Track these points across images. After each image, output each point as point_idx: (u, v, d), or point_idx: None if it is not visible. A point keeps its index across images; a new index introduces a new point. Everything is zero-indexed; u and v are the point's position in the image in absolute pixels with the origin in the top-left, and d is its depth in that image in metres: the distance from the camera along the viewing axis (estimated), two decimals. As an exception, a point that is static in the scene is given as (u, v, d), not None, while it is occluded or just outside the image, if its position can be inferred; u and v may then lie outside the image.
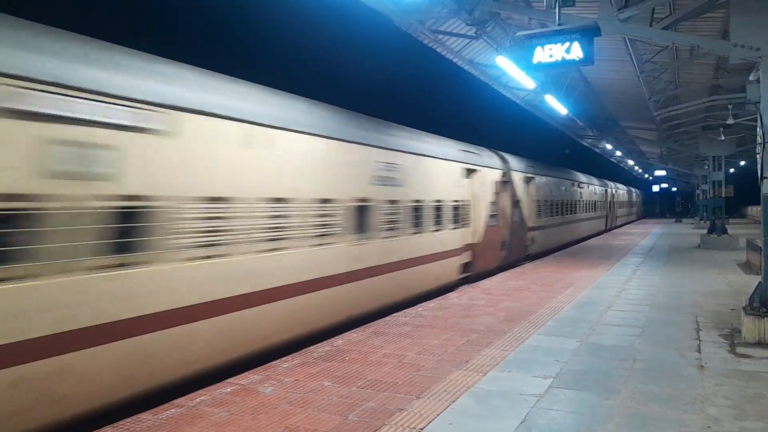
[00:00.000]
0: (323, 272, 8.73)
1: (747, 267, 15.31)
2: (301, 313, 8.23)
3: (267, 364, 6.48)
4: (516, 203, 18.34)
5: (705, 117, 22.18)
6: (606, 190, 38.71)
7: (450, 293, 11.46)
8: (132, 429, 4.63)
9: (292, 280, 8.01)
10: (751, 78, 10.85)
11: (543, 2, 8.85)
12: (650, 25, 9.32)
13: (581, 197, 30.14)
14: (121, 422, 4.79)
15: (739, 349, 7.00)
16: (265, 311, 7.48)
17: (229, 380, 5.91)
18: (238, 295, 6.99)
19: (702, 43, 9.43)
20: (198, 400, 5.31)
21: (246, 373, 6.17)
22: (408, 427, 4.64)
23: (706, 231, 24.30)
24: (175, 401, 5.27)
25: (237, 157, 7.15)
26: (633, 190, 58.85)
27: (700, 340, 7.44)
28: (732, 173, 38.41)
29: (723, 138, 22.05)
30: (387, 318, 9.10)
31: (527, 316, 9.04)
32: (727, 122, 18.18)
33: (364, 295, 9.93)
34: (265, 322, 7.52)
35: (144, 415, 4.92)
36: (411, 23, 11.35)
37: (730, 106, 17.29)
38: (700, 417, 4.80)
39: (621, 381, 5.77)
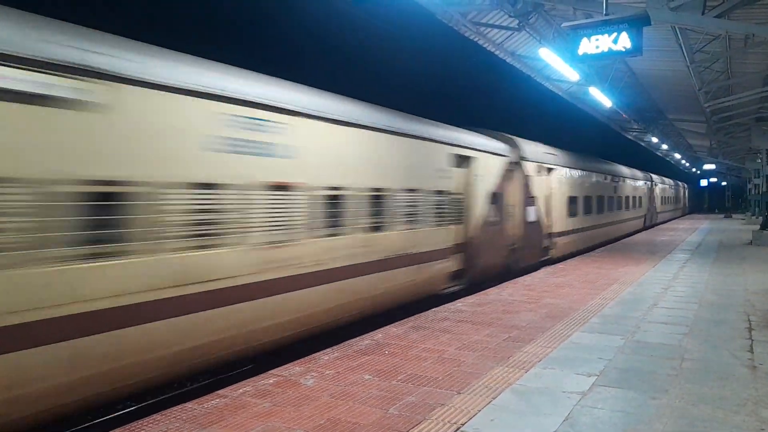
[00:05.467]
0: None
1: (803, 265, 14.69)
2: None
3: (308, 356, 6.56)
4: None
5: (759, 108, 21.34)
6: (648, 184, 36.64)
7: (490, 288, 11.36)
8: (179, 417, 4.75)
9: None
10: None
11: (589, -8, 8.65)
12: (702, 14, 8.98)
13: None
14: (168, 410, 4.92)
15: (795, 351, 6.72)
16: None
17: (271, 371, 6.00)
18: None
19: (758, 31, 9.06)
20: (241, 390, 5.41)
21: (287, 364, 6.26)
22: (449, 422, 4.63)
23: (758, 227, 23.40)
24: (219, 391, 5.39)
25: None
26: (679, 183, 56.85)
27: (753, 340, 7.18)
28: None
29: (778, 130, 21.21)
30: (426, 312, 9.08)
31: (570, 313, 8.89)
32: (783, 113, 17.50)
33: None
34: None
35: (190, 405, 5.04)
36: (453, 16, 11.26)
37: (786, 97, 16.62)
38: (752, 419, 4.63)
39: (668, 380, 5.62)
